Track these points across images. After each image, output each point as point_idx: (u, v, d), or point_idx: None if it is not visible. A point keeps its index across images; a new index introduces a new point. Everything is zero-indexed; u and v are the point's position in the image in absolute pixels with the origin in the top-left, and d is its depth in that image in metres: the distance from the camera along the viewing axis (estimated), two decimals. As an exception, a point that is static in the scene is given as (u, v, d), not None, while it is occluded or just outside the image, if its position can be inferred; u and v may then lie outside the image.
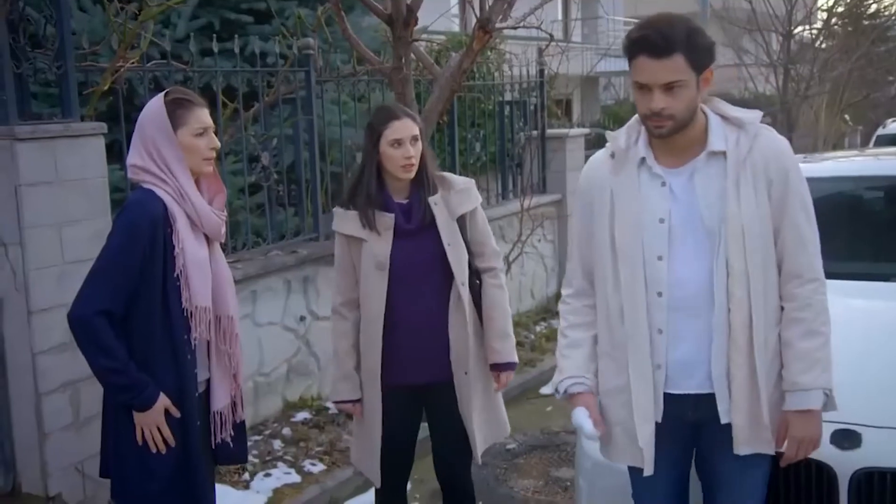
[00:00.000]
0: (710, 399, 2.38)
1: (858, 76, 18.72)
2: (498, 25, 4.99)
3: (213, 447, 2.85)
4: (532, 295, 8.09)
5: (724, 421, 2.38)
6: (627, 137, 2.45)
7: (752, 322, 2.32)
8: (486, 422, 3.27)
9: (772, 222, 2.37)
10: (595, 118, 15.02)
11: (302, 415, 5.31)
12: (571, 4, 27.47)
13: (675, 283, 2.34)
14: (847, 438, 2.70)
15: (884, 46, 28.63)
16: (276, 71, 5.65)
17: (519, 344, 6.97)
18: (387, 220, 3.08)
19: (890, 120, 18.69)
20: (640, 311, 2.36)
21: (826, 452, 2.69)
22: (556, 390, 2.56)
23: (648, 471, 2.42)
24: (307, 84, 5.70)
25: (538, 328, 7.55)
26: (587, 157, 8.90)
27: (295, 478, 4.60)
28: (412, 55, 5.14)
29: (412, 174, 3.10)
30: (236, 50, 5.21)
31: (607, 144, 2.51)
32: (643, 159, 2.41)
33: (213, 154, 2.78)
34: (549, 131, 8.42)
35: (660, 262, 2.35)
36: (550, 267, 8.37)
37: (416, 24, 4.88)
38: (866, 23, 27.00)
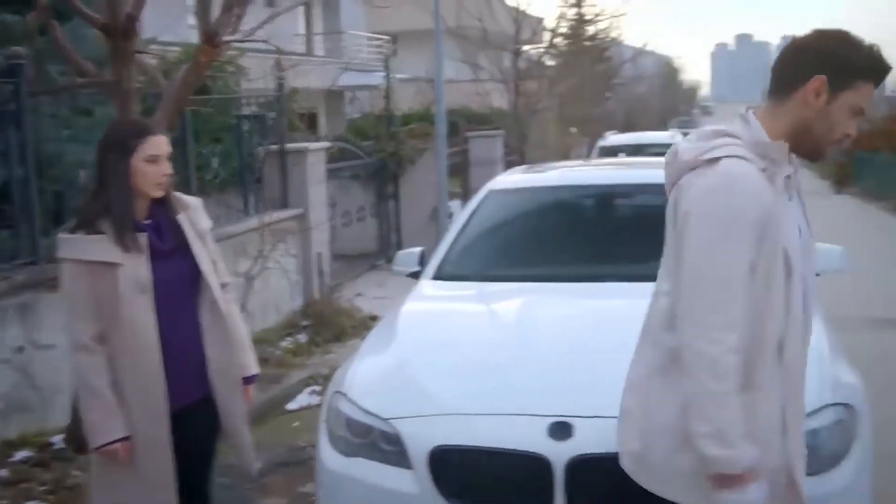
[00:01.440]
0: None
1: (581, 92, 20.24)
2: (226, 38, 4.90)
3: None
4: (277, 310, 8.00)
5: None
6: (778, 151, 2.24)
7: None
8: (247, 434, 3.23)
9: None
10: (339, 132, 15.17)
11: (22, 454, 4.90)
12: (314, 19, 27.59)
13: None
14: (561, 430, 2.91)
15: (603, 66, 31.29)
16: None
17: (264, 360, 6.89)
18: (142, 240, 2.92)
19: (609, 132, 20.42)
20: (799, 346, 2.26)
21: (542, 444, 2.89)
22: (732, 464, 2.14)
23: None
24: (17, 96, 5.29)
25: (283, 343, 7.47)
26: (329, 171, 8.97)
27: (16, 522, 4.24)
28: (139, 67, 4.92)
29: (163, 192, 2.99)
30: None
31: (745, 159, 2.19)
32: (789, 177, 2.26)
33: None
34: (290, 145, 8.38)
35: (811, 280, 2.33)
36: (294, 281, 8.32)
37: (137, 34, 4.67)
38: (587, 44, 29.44)
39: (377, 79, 23.49)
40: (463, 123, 15.16)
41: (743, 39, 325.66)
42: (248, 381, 3.24)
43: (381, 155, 11.58)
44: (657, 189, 5.04)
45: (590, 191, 5.03)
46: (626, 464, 2.42)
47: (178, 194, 3.17)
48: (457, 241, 4.75)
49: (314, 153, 8.46)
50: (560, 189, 5.10)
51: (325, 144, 9.28)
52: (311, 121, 19.21)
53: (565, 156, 20.04)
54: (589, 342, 3.48)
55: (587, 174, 5.61)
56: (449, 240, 4.78)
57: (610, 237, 4.72)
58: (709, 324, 2.12)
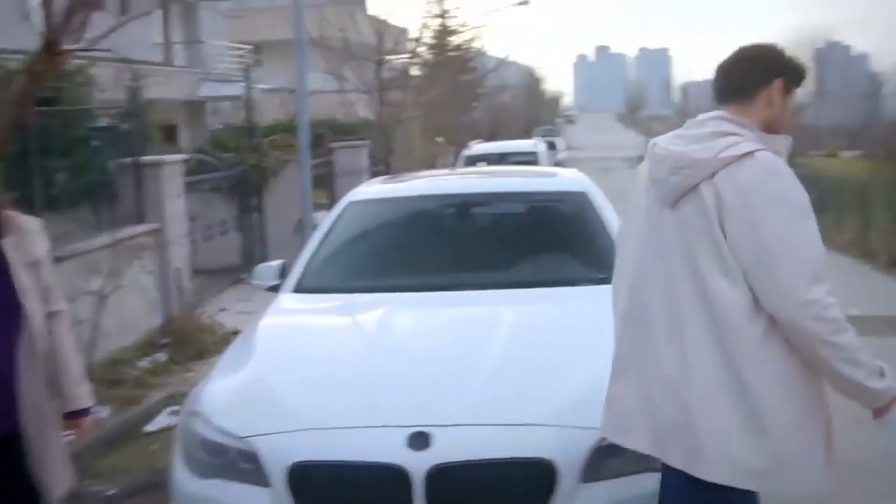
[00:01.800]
0: None
1: (446, 102, 20.45)
2: (69, 47, 4.70)
3: None
4: (134, 329, 7.70)
5: None
6: (784, 143, 2.58)
7: None
8: (61, 470, 3.06)
9: None
10: (201, 144, 14.78)
11: None
12: (172, 27, 26.80)
13: None
14: (420, 439, 2.91)
15: (470, 76, 31.75)
16: None
17: (121, 382, 6.63)
18: None
19: (474, 141, 20.74)
20: None
21: (402, 454, 2.89)
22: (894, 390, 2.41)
23: None
24: None
25: (142, 363, 7.20)
26: (188, 184, 8.71)
27: None
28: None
29: None
30: None
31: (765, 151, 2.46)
32: None
33: None
34: (144, 158, 8.09)
35: None
36: (152, 299, 8.03)
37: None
38: (451, 54, 29.82)
39: (240, 89, 23.10)
40: (328, 134, 15.05)
41: (602, 51, 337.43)
42: (79, 414, 3.11)
43: (242, 167, 11.34)
44: (514, 197, 5.17)
45: (448, 200, 5.08)
46: (756, 484, 2.42)
47: (15, 216, 3.00)
48: (317, 252, 4.71)
49: (170, 166, 8.20)
50: (418, 199, 5.13)
51: (182, 157, 9.03)
52: (170, 132, 18.66)
53: (431, 165, 20.20)
54: (448, 351, 3.51)
55: (445, 184, 5.67)
56: (309, 252, 4.73)
57: (469, 246, 4.78)
58: (815, 293, 2.30)
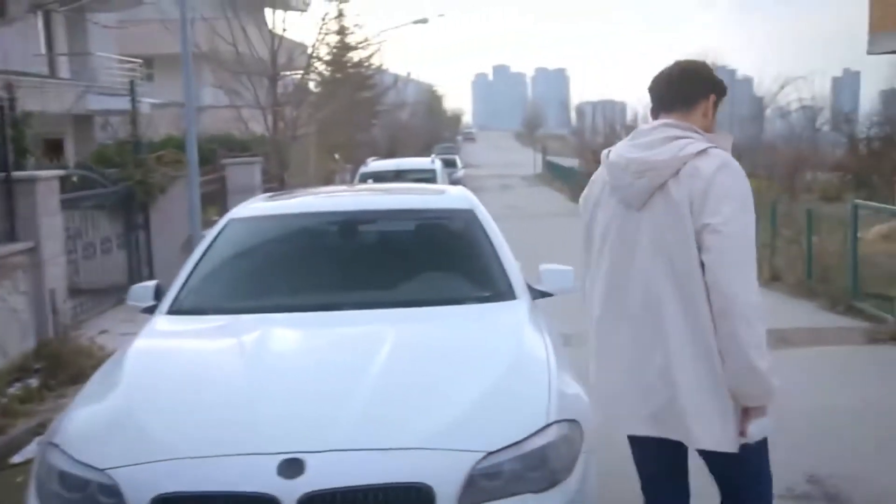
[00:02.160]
0: None
1: (344, 118, 20.29)
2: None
3: None
4: (3, 354, 7.27)
5: None
6: None
7: None
8: None
9: None
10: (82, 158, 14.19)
11: None
12: (56, 38, 25.83)
13: None
14: (291, 467, 2.78)
15: (369, 93, 31.64)
16: None
17: (-14, 411, 6.23)
18: None
19: (371, 158, 20.60)
20: None
21: (272, 483, 2.75)
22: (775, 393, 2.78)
23: None
24: None
25: (11, 390, 6.79)
26: (69, 201, 8.30)
27: None
28: None
29: None
30: None
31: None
32: None
33: None
34: (16, 174, 7.67)
35: None
36: (24, 321, 7.60)
37: None
38: (351, 71, 29.64)
39: (128, 103, 22.36)
40: (220, 150, 14.69)
41: (500, 70, 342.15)
42: None
43: (128, 183, 10.92)
44: (400, 215, 5.08)
45: (332, 217, 4.97)
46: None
47: None
48: (194, 272, 4.53)
49: (45, 182, 7.80)
50: (302, 216, 5.00)
51: (59, 172, 8.59)
52: (55, 147, 17.92)
53: (328, 182, 20.00)
54: (326, 373, 3.39)
55: (331, 201, 5.53)
56: (186, 271, 4.55)
57: (353, 264, 4.67)
58: (751, 280, 2.66)
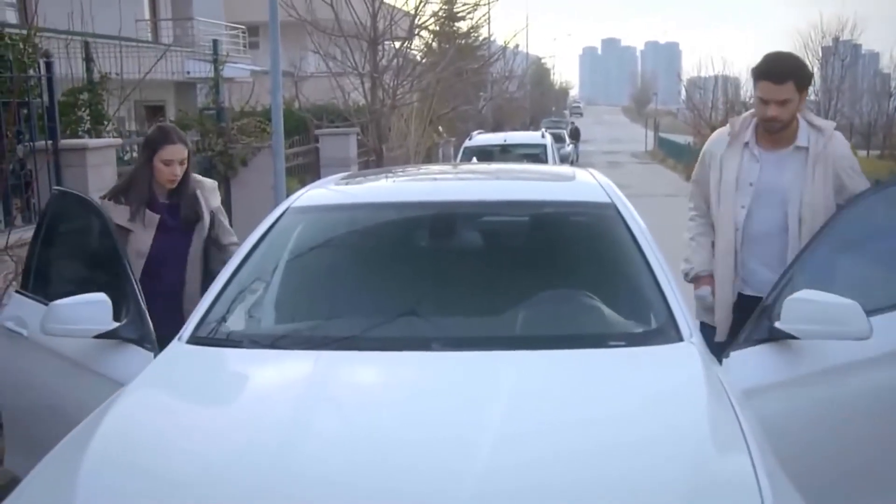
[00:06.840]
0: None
1: (447, 88, 18.98)
2: None
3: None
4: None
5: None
6: (740, 124, 3.91)
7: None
8: None
9: (833, 198, 3.74)
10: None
11: None
12: (160, 4, 25.43)
13: (749, 224, 3.84)
14: None
15: (476, 64, 30.30)
16: None
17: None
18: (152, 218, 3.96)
19: (476, 132, 19.21)
20: (729, 237, 3.88)
21: None
22: (686, 274, 4.02)
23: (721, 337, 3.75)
24: None
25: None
26: (120, 174, 7.28)
27: None
28: None
29: (175, 186, 4.05)
30: None
31: (727, 125, 4.01)
32: (747, 143, 3.87)
33: None
34: (65, 142, 6.61)
35: (742, 210, 3.85)
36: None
37: None
38: (459, 42, 28.27)
39: (234, 70, 21.63)
40: (311, 119, 13.63)
41: (609, 42, 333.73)
42: None
43: (207, 154, 9.84)
44: (512, 209, 3.66)
45: (421, 210, 3.60)
46: None
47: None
48: (231, 282, 3.27)
49: (97, 151, 6.67)
50: (382, 208, 3.68)
51: (116, 141, 7.51)
52: (155, 113, 17.34)
53: (429, 156, 18.75)
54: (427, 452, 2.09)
55: (423, 187, 4.15)
56: (221, 281, 3.29)
57: (447, 280, 3.33)
58: None
